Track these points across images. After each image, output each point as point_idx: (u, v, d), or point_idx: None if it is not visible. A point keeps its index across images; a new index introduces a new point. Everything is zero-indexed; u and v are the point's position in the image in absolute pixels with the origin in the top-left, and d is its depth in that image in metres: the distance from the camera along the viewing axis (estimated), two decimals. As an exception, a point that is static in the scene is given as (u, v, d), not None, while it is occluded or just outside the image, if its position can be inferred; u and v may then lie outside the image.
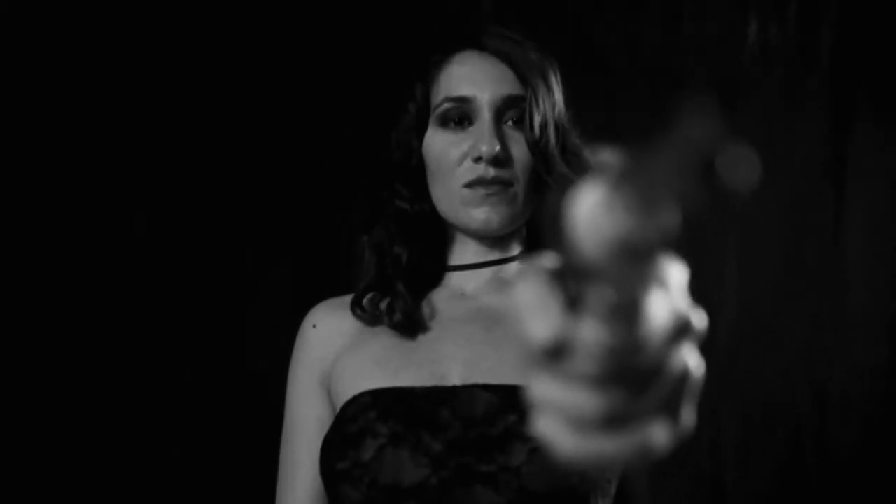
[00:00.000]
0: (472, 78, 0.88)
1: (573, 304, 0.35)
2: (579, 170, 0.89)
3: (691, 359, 0.35)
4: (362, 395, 0.82)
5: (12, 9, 1.24)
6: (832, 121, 1.41)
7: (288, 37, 1.34)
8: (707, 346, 0.39)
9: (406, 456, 0.77)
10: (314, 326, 0.93)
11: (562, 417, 0.34)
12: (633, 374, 0.33)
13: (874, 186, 1.40)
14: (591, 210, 0.31)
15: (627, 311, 0.30)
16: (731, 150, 0.23)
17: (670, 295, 0.34)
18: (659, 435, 0.34)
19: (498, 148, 0.85)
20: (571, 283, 0.36)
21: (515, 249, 0.93)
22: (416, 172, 0.91)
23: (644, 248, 0.29)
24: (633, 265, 0.29)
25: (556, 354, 0.33)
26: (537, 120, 0.87)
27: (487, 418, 0.78)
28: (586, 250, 0.31)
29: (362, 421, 0.80)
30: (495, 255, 0.92)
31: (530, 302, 0.34)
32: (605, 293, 0.30)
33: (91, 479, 1.24)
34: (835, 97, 1.40)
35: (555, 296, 0.34)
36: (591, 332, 0.32)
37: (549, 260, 0.36)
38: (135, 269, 1.29)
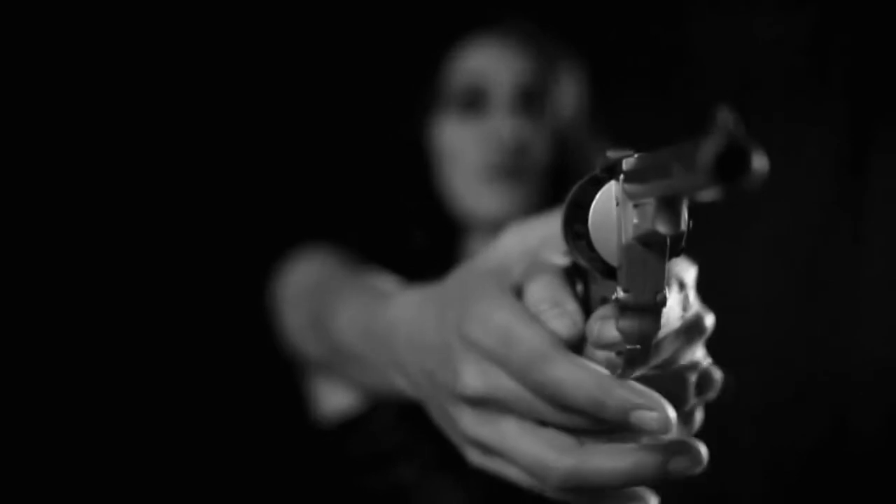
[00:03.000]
0: (489, 63, 0.84)
1: (585, 301, 0.35)
2: (597, 162, 0.86)
3: (702, 357, 0.35)
4: (385, 408, 0.78)
5: (12, 9, 1.24)
6: (852, 117, 1.38)
7: (288, 25, 1.32)
8: (723, 347, 0.38)
9: (451, 481, 0.74)
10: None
11: (546, 437, 0.33)
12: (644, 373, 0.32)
13: (894, 183, 1.38)
14: (606, 210, 0.32)
15: (642, 310, 0.30)
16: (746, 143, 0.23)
17: (683, 294, 0.34)
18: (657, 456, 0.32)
19: (515, 138, 0.81)
20: (584, 280, 0.36)
21: None
22: (424, 160, 0.87)
23: (657, 247, 0.29)
24: (646, 265, 0.30)
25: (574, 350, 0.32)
26: (556, 110, 0.84)
27: None
28: (601, 249, 0.32)
29: (396, 437, 0.77)
30: None
31: (545, 299, 0.33)
32: (625, 291, 0.30)
33: (90, 479, 1.23)
34: (855, 92, 1.38)
35: (568, 293, 0.34)
36: (608, 329, 0.32)
37: (560, 257, 0.36)
38: (134, 267, 1.28)
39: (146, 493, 1.24)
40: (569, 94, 0.86)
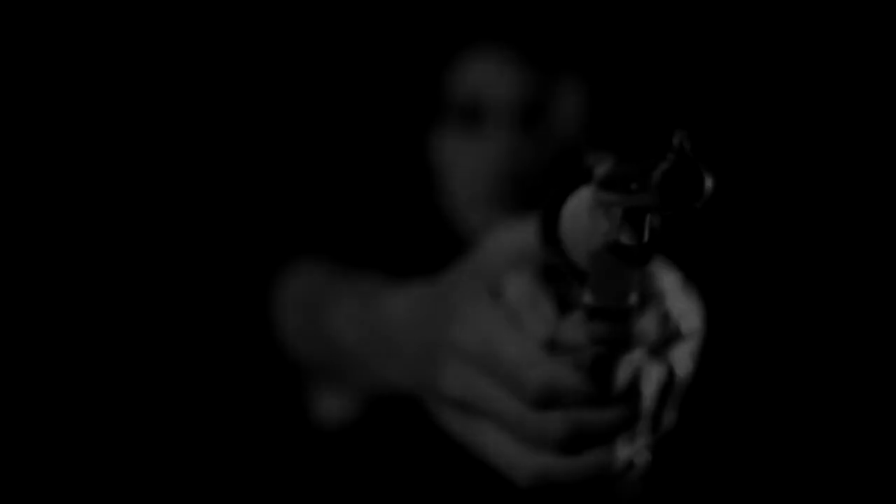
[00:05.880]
0: (488, 76, 0.81)
1: (563, 303, 0.35)
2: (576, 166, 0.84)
3: (678, 363, 0.35)
4: (384, 412, 0.78)
5: (12, 9, 1.23)
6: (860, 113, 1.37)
7: (285, 36, 1.32)
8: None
9: (450, 480, 0.75)
10: None
11: (518, 438, 0.33)
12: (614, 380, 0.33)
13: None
14: (578, 215, 0.31)
15: (610, 316, 0.31)
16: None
17: (660, 299, 0.34)
18: (624, 452, 0.34)
19: (511, 163, 0.79)
20: (561, 282, 0.36)
21: None
22: (421, 170, 0.86)
23: (625, 256, 0.29)
24: (614, 272, 0.30)
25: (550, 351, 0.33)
26: (559, 124, 0.82)
27: None
28: (574, 252, 0.32)
29: (396, 440, 0.77)
30: None
31: (522, 299, 0.34)
32: (593, 295, 0.31)
33: (89, 479, 1.23)
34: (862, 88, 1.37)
35: (545, 294, 0.34)
36: (577, 332, 0.32)
37: (539, 258, 0.36)
38: (132, 265, 1.27)
39: (151, 497, 1.24)
40: (572, 108, 0.83)
